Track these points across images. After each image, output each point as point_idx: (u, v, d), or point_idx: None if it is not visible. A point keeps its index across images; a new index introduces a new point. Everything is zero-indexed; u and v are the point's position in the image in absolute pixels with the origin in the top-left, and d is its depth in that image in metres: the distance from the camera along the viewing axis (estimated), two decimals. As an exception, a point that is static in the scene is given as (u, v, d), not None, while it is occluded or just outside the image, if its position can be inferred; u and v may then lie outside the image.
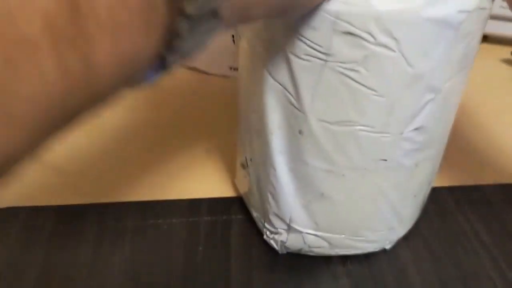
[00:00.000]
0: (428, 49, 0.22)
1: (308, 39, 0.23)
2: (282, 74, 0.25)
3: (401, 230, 0.31)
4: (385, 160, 0.26)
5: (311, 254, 0.30)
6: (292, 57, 0.24)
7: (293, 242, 0.30)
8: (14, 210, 0.34)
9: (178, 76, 0.50)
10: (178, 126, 0.42)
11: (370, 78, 0.23)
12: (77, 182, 0.36)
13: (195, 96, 0.47)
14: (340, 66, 0.23)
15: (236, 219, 0.34)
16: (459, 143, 0.41)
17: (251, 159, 0.30)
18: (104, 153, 0.39)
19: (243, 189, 0.34)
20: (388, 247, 0.31)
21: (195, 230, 0.33)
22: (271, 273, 0.30)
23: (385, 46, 0.22)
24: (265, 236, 0.31)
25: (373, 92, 0.23)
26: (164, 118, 0.43)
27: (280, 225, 0.30)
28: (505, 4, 0.55)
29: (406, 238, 0.32)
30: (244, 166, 0.31)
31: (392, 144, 0.25)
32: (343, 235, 0.29)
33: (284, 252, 0.31)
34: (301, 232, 0.29)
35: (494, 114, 0.45)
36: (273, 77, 0.25)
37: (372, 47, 0.22)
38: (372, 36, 0.22)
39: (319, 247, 0.30)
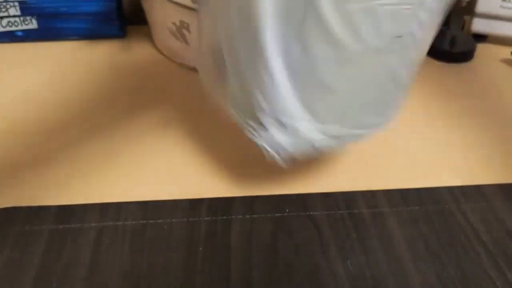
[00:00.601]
0: None
1: None
2: None
3: (395, 111, 0.28)
4: (400, 36, 0.23)
5: (309, 154, 0.26)
6: None
7: (290, 142, 0.26)
8: (14, 210, 0.34)
9: (178, 76, 0.50)
10: (179, 126, 0.42)
11: None
12: (77, 183, 0.36)
13: (196, 96, 0.47)
14: None
15: (236, 219, 0.34)
16: (459, 143, 0.41)
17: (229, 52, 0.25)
18: (104, 153, 0.39)
19: (212, 82, 0.28)
20: (384, 129, 0.28)
21: (195, 230, 0.33)
22: (271, 273, 0.30)
23: None
24: (250, 135, 0.27)
25: None
26: (165, 117, 0.43)
27: (274, 124, 0.26)
28: (505, 4, 0.55)
29: (406, 238, 0.32)
30: (216, 59, 0.26)
31: (411, 16, 0.22)
32: (346, 127, 0.26)
33: (279, 157, 0.27)
34: (299, 129, 0.25)
35: (494, 113, 0.45)
36: None
37: None
38: None
39: (324, 143, 0.26)
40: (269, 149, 0.26)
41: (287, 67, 0.24)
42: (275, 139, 0.26)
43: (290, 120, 0.25)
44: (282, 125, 0.25)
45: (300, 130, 0.25)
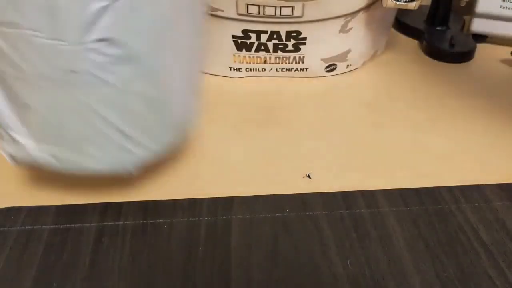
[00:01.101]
0: None
1: None
2: None
3: (142, 152, 0.28)
4: (76, 72, 0.23)
5: (41, 168, 0.28)
6: None
7: (18, 153, 0.28)
8: (14, 210, 0.34)
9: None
10: (178, 126, 0.42)
11: None
12: (77, 182, 0.36)
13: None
14: None
15: (236, 219, 0.34)
16: (459, 143, 0.42)
17: None
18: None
19: None
20: (132, 170, 0.28)
21: (195, 230, 0.33)
22: (270, 272, 0.30)
23: None
24: None
25: None
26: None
27: (4, 134, 0.28)
28: (505, 4, 0.55)
29: (406, 238, 0.32)
30: None
31: (75, 54, 0.23)
32: (65, 150, 0.27)
33: (16, 165, 0.29)
34: (21, 143, 0.27)
35: (494, 113, 0.45)
36: None
37: None
38: None
39: (45, 161, 0.27)
40: (5, 156, 0.29)
41: (2, 85, 0.26)
42: (7, 150, 0.28)
43: (17, 136, 0.27)
44: (12, 138, 0.27)
45: (25, 147, 0.27)
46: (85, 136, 0.26)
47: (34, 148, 0.27)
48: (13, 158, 0.28)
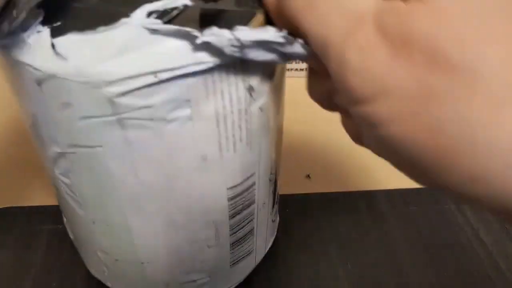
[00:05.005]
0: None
1: None
2: None
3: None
4: None
5: None
6: None
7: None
8: (14, 210, 0.34)
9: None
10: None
11: None
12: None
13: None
14: None
15: (236, 219, 0.34)
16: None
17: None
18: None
19: None
20: None
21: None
22: (271, 272, 0.30)
23: None
24: None
25: None
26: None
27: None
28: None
29: (406, 238, 0.32)
30: None
31: None
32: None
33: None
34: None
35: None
36: None
37: None
38: None
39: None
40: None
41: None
42: None
43: None
44: None
45: None
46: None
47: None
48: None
